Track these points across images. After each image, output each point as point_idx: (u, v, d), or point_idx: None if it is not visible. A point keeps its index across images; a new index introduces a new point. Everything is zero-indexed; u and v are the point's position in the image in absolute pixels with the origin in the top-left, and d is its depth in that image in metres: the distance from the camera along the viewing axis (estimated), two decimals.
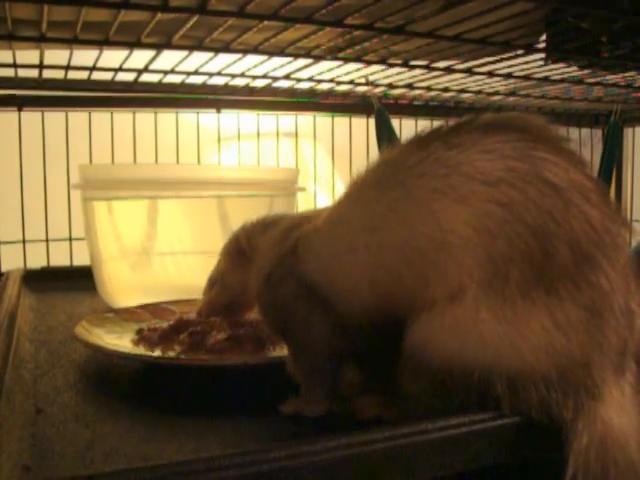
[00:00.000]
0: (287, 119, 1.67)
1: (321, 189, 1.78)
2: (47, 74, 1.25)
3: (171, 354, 0.76)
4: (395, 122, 1.58)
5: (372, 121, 1.59)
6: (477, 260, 0.52)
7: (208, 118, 1.59)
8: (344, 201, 0.64)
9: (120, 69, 1.21)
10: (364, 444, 0.45)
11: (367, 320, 0.60)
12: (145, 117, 1.49)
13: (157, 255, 1.10)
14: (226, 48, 1.04)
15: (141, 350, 0.77)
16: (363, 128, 1.64)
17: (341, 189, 1.74)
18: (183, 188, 1.03)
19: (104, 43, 0.98)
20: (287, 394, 0.64)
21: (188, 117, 1.56)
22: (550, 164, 0.53)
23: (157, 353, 0.76)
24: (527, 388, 0.51)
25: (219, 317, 0.81)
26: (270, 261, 0.66)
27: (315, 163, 1.72)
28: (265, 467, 0.41)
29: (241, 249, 0.74)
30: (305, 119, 1.67)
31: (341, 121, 1.66)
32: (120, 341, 0.80)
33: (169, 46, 1.01)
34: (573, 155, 0.56)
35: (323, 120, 1.66)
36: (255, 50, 1.06)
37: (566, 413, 0.50)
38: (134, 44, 1.00)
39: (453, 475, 0.49)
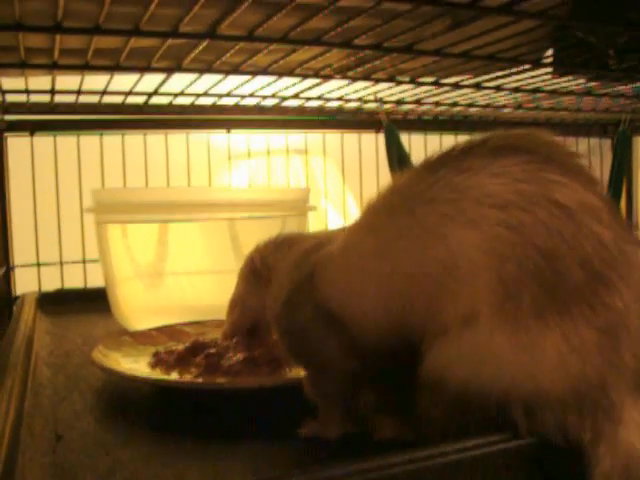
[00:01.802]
0: (297, 136, 1.68)
1: (332, 205, 1.79)
2: (59, 99, 1.26)
3: (188, 377, 0.76)
4: (404, 137, 1.59)
5: (381, 136, 1.59)
6: (488, 284, 0.52)
7: (218, 137, 1.60)
8: (357, 227, 0.64)
9: (131, 92, 1.22)
10: (383, 468, 0.45)
11: (382, 344, 0.60)
12: (156, 139, 1.50)
13: (171, 276, 1.10)
14: (236, 70, 1.05)
15: (158, 373, 0.78)
16: (372, 143, 1.64)
17: (352, 205, 1.74)
18: (195, 211, 1.04)
19: (115, 68, 0.99)
20: (304, 416, 0.64)
21: (198, 137, 1.57)
22: (560, 185, 0.53)
23: (174, 376, 0.77)
24: (543, 411, 0.51)
25: (244, 338, 0.81)
26: (288, 286, 0.67)
27: (325, 180, 1.73)
28: None
29: (256, 271, 0.74)
30: (315, 136, 1.68)
31: (350, 137, 1.66)
32: (137, 365, 0.81)
33: (179, 69, 1.02)
34: (583, 175, 0.56)
35: (333, 136, 1.67)
36: (264, 71, 1.07)
37: (584, 436, 0.50)
38: (145, 69, 1.01)
39: None
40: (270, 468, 0.57)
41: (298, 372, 0.76)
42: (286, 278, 0.68)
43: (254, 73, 1.08)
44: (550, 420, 0.51)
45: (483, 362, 0.52)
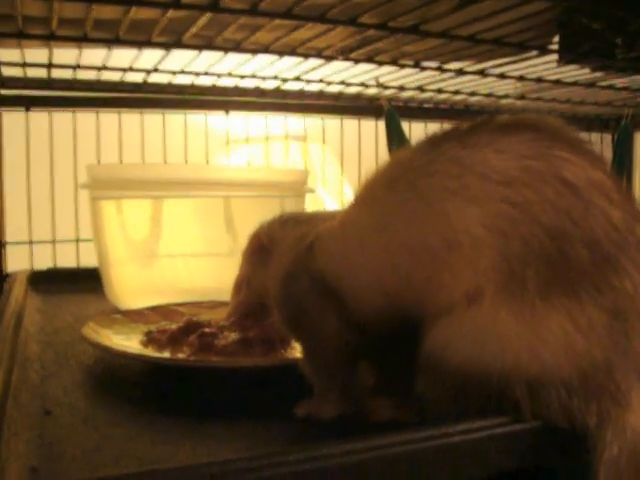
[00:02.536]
0: (296, 122, 1.66)
1: (330, 193, 1.77)
2: (55, 74, 1.24)
3: (180, 356, 0.75)
4: (404, 125, 1.57)
5: (381, 124, 1.58)
6: (492, 261, 0.51)
7: (216, 121, 1.58)
8: (356, 200, 0.63)
9: (129, 69, 1.20)
10: (384, 447, 0.44)
11: (379, 321, 0.59)
12: (153, 118, 1.48)
13: (165, 257, 1.09)
14: (237, 47, 1.03)
15: (150, 352, 0.76)
16: (372, 131, 1.62)
17: (350, 193, 1.73)
18: (191, 188, 1.02)
19: (114, 42, 0.97)
20: (299, 396, 0.62)
21: (196, 120, 1.55)
22: (568, 163, 0.52)
23: (166, 355, 0.75)
24: (547, 393, 0.49)
25: (240, 318, 0.79)
26: (288, 259, 0.65)
27: (324, 167, 1.71)
28: (283, 470, 0.40)
29: (262, 246, 0.72)
30: (314, 122, 1.66)
31: (350, 124, 1.64)
32: (128, 342, 0.79)
33: (179, 45, 1.00)
34: (592, 154, 0.54)
35: (332, 123, 1.65)
36: (266, 50, 1.05)
37: (590, 420, 0.49)
38: (144, 43, 0.99)
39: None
40: (264, 447, 0.55)
41: (293, 353, 0.75)
42: (285, 256, 0.66)
43: (255, 51, 1.06)
44: (554, 403, 0.49)
45: (486, 340, 0.50)
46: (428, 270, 0.54)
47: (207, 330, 0.79)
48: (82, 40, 0.96)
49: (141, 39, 0.98)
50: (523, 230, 0.50)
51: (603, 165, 0.54)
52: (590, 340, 0.49)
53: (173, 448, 0.54)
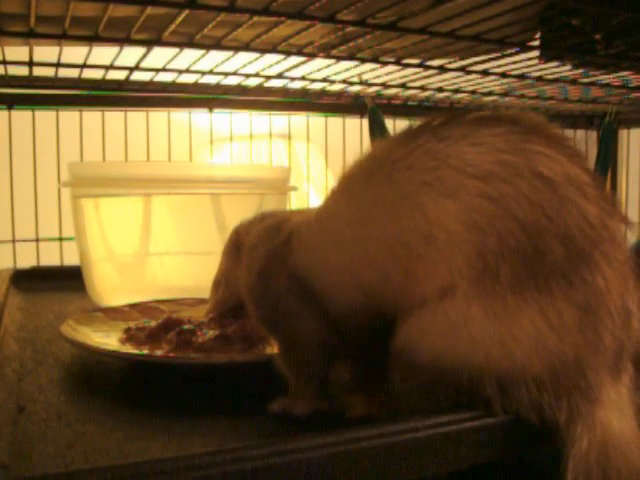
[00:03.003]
0: (280, 120, 1.66)
1: (315, 190, 1.77)
2: (37, 72, 1.24)
3: (159, 353, 0.75)
4: (389, 123, 1.57)
5: (366, 122, 1.58)
6: (466, 256, 0.51)
7: (200, 119, 1.58)
8: (333, 193, 0.62)
9: (111, 67, 1.19)
10: (351, 442, 0.44)
11: (356, 318, 0.59)
12: (137, 117, 1.48)
13: (147, 255, 1.08)
14: (217, 45, 1.03)
15: (128, 349, 0.76)
16: (357, 129, 1.62)
17: None
18: (172, 186, 1.01)
19: (93, 39, 0.97)
20: (275, 393, 0.62)
21: (180, 118, 1.54)
22: (544, 157, 0.51)
23: (145, 352, 0.75)
24: (518, 389, 0.49)
25: (219, 315, 0.79)
26: (262, 255, 0.65)
27: (308, 164, 1.71)
28: (248, 465, 0.40)
29: (241, 242, 0.72)
30: (298, 120, 1.66)
31: (334, 122, 1.64)
32: (107, 340, 0.79)
33: (159, 42, 0.99)
34: (570, 149, 0.54)
35: (316, 121, 1.65)
36: (247, 47, 1.04)
37: (560, 416, 0.49)
38: (124, 40, 0.98)
39: (446, 474, 0.48)
40: (237, 442, 0.55)
41: (270, 349, 0.75)
42: (258, 248, 0.66)
43: (236, 48, 1.06)
44: (524, 399, 0.49)
45: (457, 336, 0.50)
46: (404, 265, 0.54)
47: (186, 327, 0.79)
48: (61, 37, 0.95)
49: (121, 36, 0.98)
50: (499, 226, 0.50)
51: (581, 160, 0.54)
52: (561, 336, 0.49)
53: (145, 444, 0.54)
